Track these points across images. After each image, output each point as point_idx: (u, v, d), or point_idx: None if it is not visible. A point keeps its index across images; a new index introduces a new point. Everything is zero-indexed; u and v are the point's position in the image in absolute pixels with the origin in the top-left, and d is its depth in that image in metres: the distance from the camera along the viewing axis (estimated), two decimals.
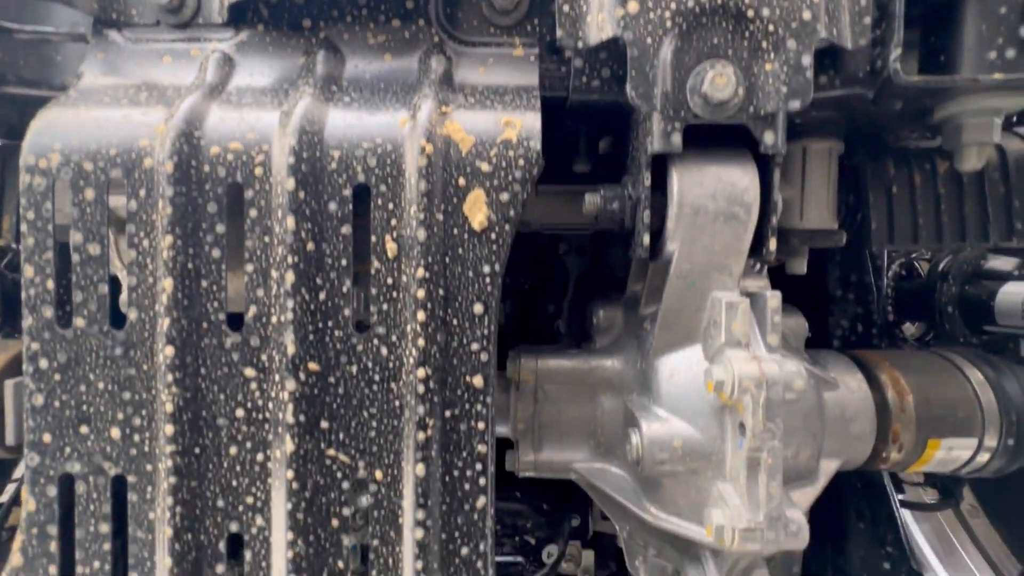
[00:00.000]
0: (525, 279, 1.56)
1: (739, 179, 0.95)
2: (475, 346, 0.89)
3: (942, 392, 1.23)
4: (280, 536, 0.88)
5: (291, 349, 0.87)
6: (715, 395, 0.98)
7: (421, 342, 0.87)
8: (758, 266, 1.10)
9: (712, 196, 0.95)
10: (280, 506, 0.87)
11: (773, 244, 0.98)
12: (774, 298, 0.97)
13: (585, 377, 1.18)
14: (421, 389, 0.87)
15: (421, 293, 0.86)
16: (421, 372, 0.87)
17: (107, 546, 0.90)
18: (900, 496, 1.54)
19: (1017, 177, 1.18)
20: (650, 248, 0.99)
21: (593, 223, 1.08)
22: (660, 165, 0.98)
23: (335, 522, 0.89)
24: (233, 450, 0.89)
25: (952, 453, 1.25)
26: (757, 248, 0.99)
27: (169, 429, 0.87)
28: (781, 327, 0.97)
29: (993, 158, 1.20)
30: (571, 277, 1.56)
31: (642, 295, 1.20)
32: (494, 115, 0.93)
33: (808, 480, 1.14)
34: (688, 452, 1.01)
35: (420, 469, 0.87)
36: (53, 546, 0.90)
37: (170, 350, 0.87)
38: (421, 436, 0.87)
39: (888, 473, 1.54)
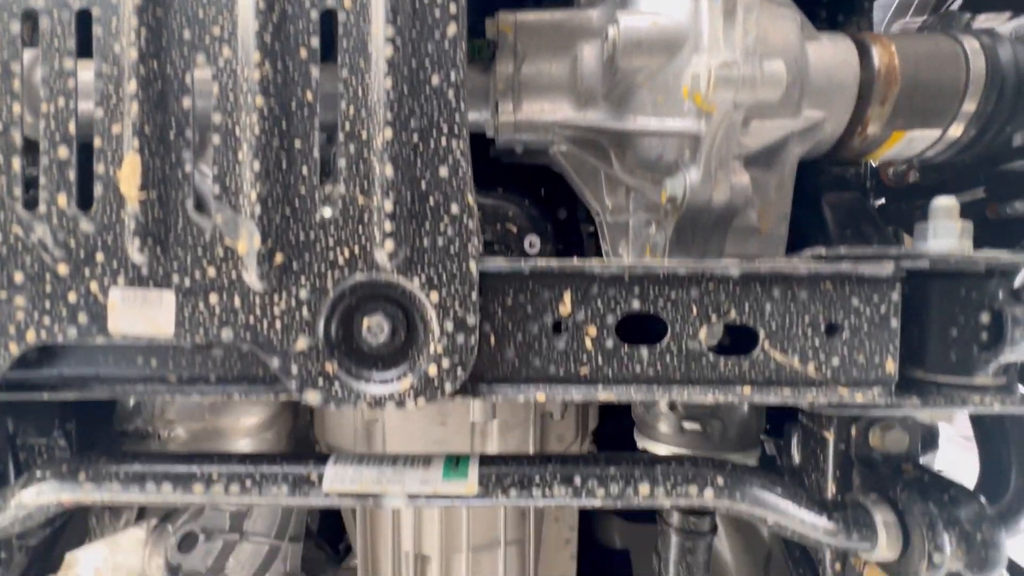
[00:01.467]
0: None
1: None
2: None
3: (931, 78, 1.21)
4: (247, 63, 0.86)
5: None
6: None
7: None
8: None
9: None
10: (247, 30, 0.86)
11: None
12: None
13: (564, 25, 1.16)
14: None
15: None
16: None
17: (71, 83, 0.88)
18: None
19: None
20: None
21: None
22: None
23: (303, 52, 0.88)
24: None
25: (912, 144, 1.26)
26: None
27: None
28: None
29: None
30: None
31: None
32: None
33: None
34: (665, 33, 0.99)
35: None
36: (16, 84, 0.88)
37: None
38: None
39: None
